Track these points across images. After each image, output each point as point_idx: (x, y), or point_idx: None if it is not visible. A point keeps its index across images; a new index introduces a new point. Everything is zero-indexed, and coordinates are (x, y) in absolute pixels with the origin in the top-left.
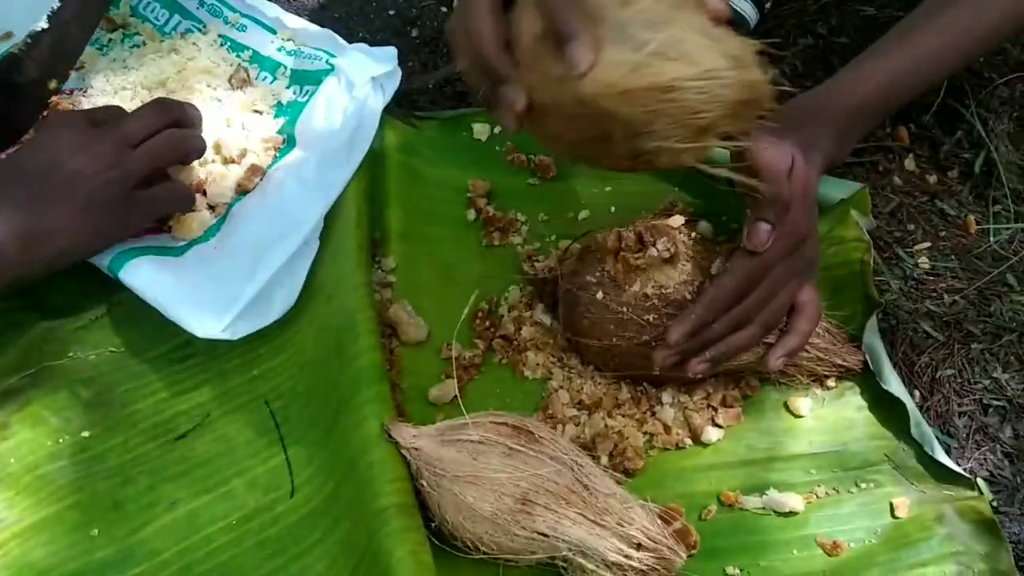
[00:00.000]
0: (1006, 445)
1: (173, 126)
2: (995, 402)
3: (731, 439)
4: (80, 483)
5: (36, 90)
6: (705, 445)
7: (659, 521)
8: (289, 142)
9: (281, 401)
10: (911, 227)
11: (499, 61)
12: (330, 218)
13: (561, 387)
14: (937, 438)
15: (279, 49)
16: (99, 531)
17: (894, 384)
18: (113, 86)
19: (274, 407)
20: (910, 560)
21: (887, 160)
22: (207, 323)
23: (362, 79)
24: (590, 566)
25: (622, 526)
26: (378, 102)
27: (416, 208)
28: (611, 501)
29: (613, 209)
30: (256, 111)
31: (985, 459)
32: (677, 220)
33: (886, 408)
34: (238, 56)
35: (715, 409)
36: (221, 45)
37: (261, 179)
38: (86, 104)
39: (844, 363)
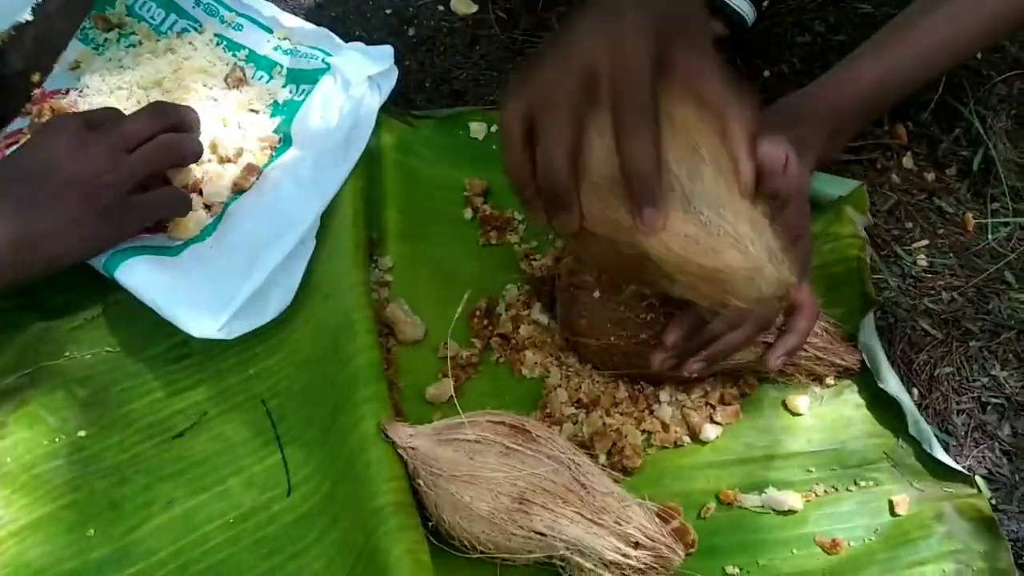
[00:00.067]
0: (1004, 443)
1: (170, 130)
2: (993, 400)
3: (729, 437)
4: (77, 482)
5: (19, 82)
6: (703, 443)
7: (657, 520)
8: (285, 141)
9: (277, 400)
10: (909, 225)
11: (570, 192)
12: (327, 217)
13: (559, 386)
14: (936, 436)
15: (275, 48)
16: (95, 530)
17: (892, 383)
18: (109, 86)
19: (270, 406)
20: (909, 558)
21: (885, 158)
22: (203, 323)
23: (358, 78)
24: (588, 565)
25: (620, 525)
26: (374, 101)
27: (413, 207)
28: (609, 500)
29: None
30: (252, 110)
31: (984, 457)
32: None
33: (884, 406)
34: (234, 55)
35: (713, 407)
36: (217, 44)
37: (257, 178)
38: (82, 103)
39: (842, 362)
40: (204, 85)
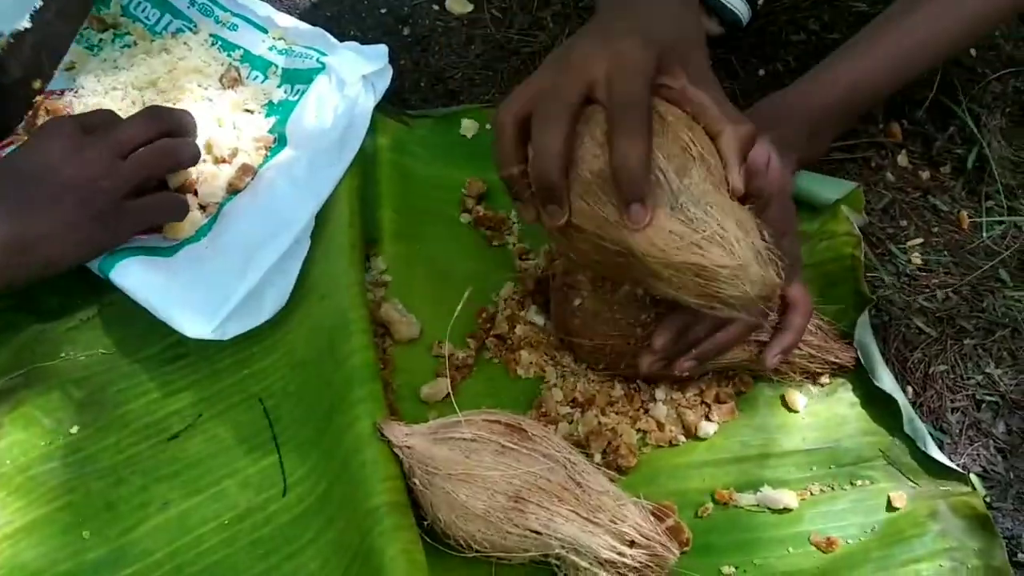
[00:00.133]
0: (999, 440)
1: (167, 134)
2: (988, 398)
3: (724, 435)
4: (72, 484)
5: (20, 90)
6: (700, 440)
7: (652, 518)
8: (280, 141)
9: (273, 400)
10: (904, 223)
11: (561, 185)
12: (322, 217)
13: (555, 385)
14: (930, 434)
15: (270, 48)
16: (91, 532)
17: (886, 381)
18: (104, 86)
19: (266, 406)
20: (904, 556)
21: (880, 156)
22: (198, 323)
23: (353, 77)
24: (583, 564)
25: (615, 523)
26: (369, 100)
27: (408, 207)
28: (604, 498)
29: None
30: (247, 110)
31: (978, 455)
32: None
33: (879, 404)
34: (229, 55)
35: (708, 406)
36: (212, 44)
37: (252, 178)
38: (77, 104)
39: (837, 360)
40: (199, 85)
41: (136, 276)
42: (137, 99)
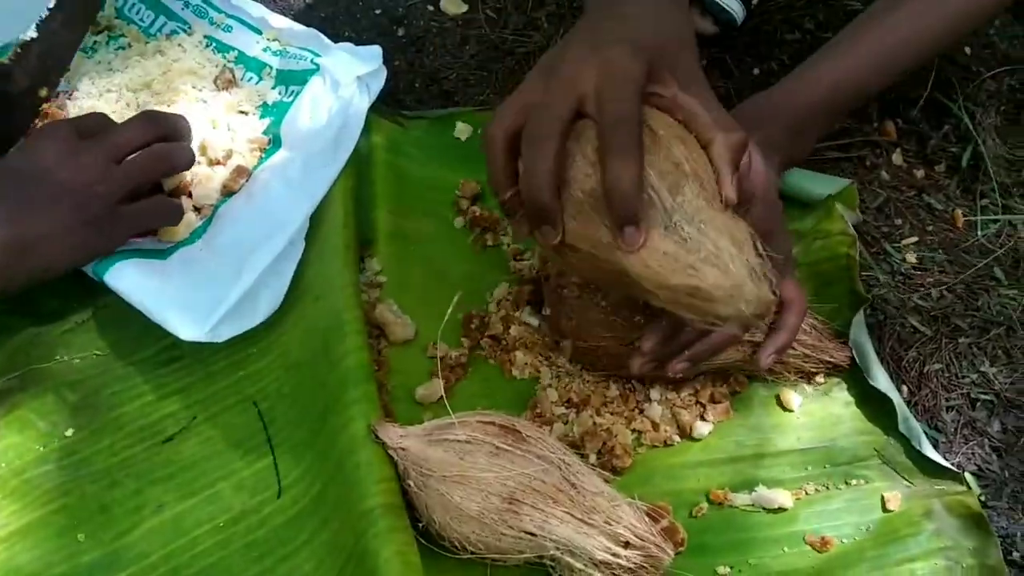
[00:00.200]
0: (994, 439)
1: (162, 139)
2: (983, 396)
3: (719, 435)
4: (67, 487)
5: (27, 99)
6: (695, 440)
7: (647, 519)
8: (275, 143)
9: (268, 403)
10: (898, 222)
11: (553, 207)
12: (316, 218)
13: (550, 385)
14: (925, 433)
15: (264, 49)
16: (86, 535)
17: (881, 380)
18: (98, 88)
19: (261, 409)
20: (899, 555)
21: (874, 155)
22: (192, 326)
23: (347, 78)
24: (578, 565)
25: (610, 524)
26: (363, 101)
27: (403, 208)
28: (599, 499)
29: None
30: (242, 112)
31: (973, 454)
32: None
33: (874, 403)
34: (223, 57)
35: (703, 406)
36: (206, 46)
37: (247, 180)
38: (71, 107)
39: (831, 359)
40: (193, 87)
41: (130, 279)
42: (131, 101)
